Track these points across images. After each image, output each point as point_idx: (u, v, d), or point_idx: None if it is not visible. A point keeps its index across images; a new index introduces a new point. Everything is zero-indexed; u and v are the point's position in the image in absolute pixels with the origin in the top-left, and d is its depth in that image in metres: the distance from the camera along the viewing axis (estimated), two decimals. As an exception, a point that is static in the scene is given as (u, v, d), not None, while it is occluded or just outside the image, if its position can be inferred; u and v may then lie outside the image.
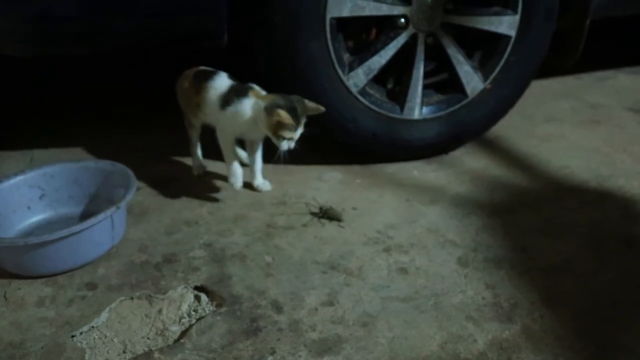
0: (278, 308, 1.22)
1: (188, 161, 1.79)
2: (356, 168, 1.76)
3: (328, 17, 1.51)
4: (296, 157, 1.77)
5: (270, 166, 1.75)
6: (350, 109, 1.63)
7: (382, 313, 1.21)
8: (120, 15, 1.39)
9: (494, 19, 1.66)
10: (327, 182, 1.69)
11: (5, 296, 1.28)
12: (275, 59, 1.57)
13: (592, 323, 1.18)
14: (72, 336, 1.17)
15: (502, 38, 1.69)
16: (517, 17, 1.66)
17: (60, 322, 1.21)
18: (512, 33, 1.67)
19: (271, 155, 1.53)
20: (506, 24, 1.66)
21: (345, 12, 1.52)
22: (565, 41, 1.83)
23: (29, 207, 1.52)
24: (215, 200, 1.62)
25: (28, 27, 1.41)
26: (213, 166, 1.78)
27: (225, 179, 1.71)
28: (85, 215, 1.54)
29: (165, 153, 1.85)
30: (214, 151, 1.74)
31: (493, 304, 1.24)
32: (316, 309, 1.22)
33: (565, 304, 1.23)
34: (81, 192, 1.56)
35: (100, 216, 1.32)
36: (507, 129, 1.97)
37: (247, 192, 1.65)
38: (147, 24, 1.42)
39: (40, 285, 1.31)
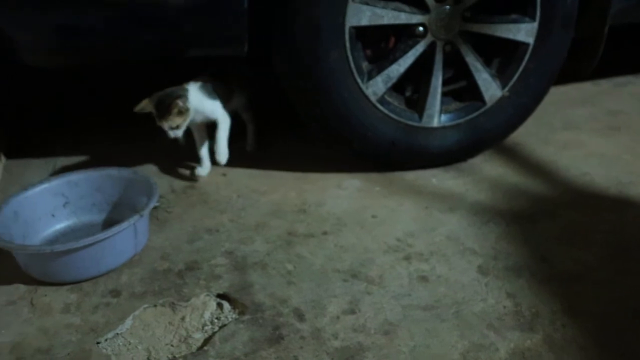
0: (300, 316, 1.23)
1: (208, 169, 1.81)
2: (375, 176, 1.77)
3: (347, 26, 1.52)
4: (315, 165, 1.81)
5: (291, 174, 1.78)
6: (369, 117, 1.64)
7: (403, 321, 1.22)
8: (143, 26, 1.41)
9: (512, 26, 1.66)
10: (346, 190, 1.70)
11: (32, 302, 1.30)
12: (295, 68, 1.58)
13: (614, 333, 1.18)
14: (98, 342, 1.19)
15: (520, 45, 1.69)
16: (535, 25, 1.66)
17: (86, 328, 1.23)
18: (530, 40, 1.67)
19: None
20: (524, 32, 1.66)
21: (364, 21, 1.53)
22: (584, 48, 1.84)
23: (53, 215, 1.54)
24: (236, 208, 1.63)
25: (52, 40, 1.44)
26: (233, 173, 1.80)
27: (245, 185, 1.73)
28: (107, 223, 1.56)
29: (185, 161, 1.87)
30: (233, 158, 1.77)
31: (514, 312, 1.24)
32: (338, 317, 1.23)
33: (587, 313, 1.23)
34: (104, 200, 1.58)
35: (124, 224, 1.34)
36: (525, 136, 1.97)
37: (268, 200, 1.66)
38: (169, 34, 1.45)
39: (66, 292, 1.33)
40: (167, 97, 1.59)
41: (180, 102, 1.58)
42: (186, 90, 1.64)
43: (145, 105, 1.61)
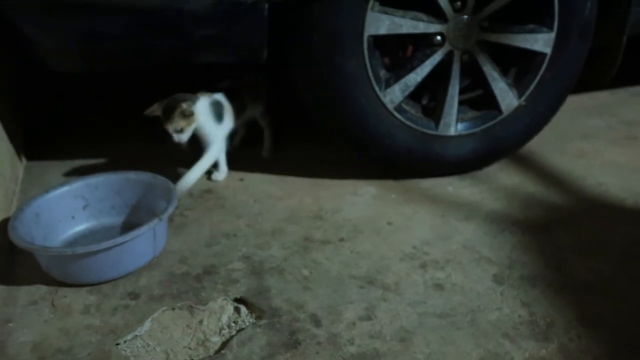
0: (316, 322, 1.24)
1: (224, 173, 1.83)
2: (391, 183, 1.78)
3: (366, 35, 1.53)
4: (331, 171, 1.82)
5: (307, 180, 1.79)
6: (386, 125, 1.65)
7: (419, 329, 1.23)
8: (167, 34, 1.44)
9: (529, 36, 1.67)
10: (362, 197, 1.71)
11: (53, 303, 1.33)
12: (314, 75, 1.60)
13: (628, 344, 1.18)
14: (117, 344, 1.21)
15: (538, 55, 1.69)
16: (553, 35, 1.66)
17: (106, 330, 1.25)
18: (548, 50, 1.68)
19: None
20: (542, 42, 1.67)
21: (383, 30, 1.55)
22: (602, 57, 1.84)
23: (73, 217, 1.57)
24: (252, 213, 1.65)
25: (78, 46, 1.47)
26: (249, 178, 1.81)
27: (262, 190, 1.75)
28: (126, 226, 1.58)
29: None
30: (250, 163, 1.79)
31: (529, 322, 1.24)
32: (354, 323, 1.24)
33: (602, 323, 1.23)
34: (123, 203, 1.60)
35: (144, 228, 1.36)
36: (541, 145, 1.97)
37: (284, 205, 1.68)
38: (192, 41, 1.47)
39: (86, 293, 1.35)
40: (174, 100, 1.63)
41: (184, 105, 1.61)
42: (196, 98, 1.67)
43: (155, 109, 1.65)
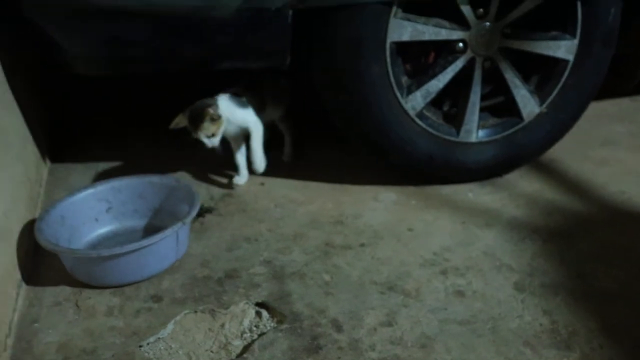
0: (338, 327, 1.25)
1: (246, 177, 1.85)
2: (411, 189, 1.78)
3: (388, 41, 1.54)
4: (351, 176, 1.83)
5: (328, 185, 1.80)
6: (407, 132, 1.66)
7: (440, 335, 1.23)
8: (191, 40, 1.45)
9: (551, 43, 1.66)
10: (382, 203, 1.72)
11: (77, 304, 1.35)
12: (336, 82, 1.61)
13: (652, 354, 1.18)
14: (140, 346, 1.23)
15: (560, 62, 1.69)
16: (576, 42, 1.65)
17: (129, 331, 1.26)
18: (570, 57, 1.67)
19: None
20: (564, 49, 1.66)
21: (405, 37, 1.55)
22: (625, 64, 1.83)
23: (96, 219, 1.59)
24: (274, 217, 1.66)
25: (103, 51, 1.50)
26: (270, 183, 1.83)
27: (283, 195, 1.76)
28: (148, 229, 1.60)
29: (223, 169, 1.90)
30: (271, 168, 1.80)
31: (550, 330, 1.24)
32: (375, 329, 1.25)
33: (625, 333, 1.23)
34: (145, 206, 1.62)
35: (168, 231, 1.37)
36: (562, 152, 1.96)
37: (305, 210, 1.69)
38: (216, 47, 1.49)
39: (109, 295, 1.37)
40: (198, 108, 1.66)
41: (211, 110, 1.63)
42: (216, 100, 1.69)
43: (180, 120, 1.68)
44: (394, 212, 1.67)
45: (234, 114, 1.72)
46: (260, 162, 1.77)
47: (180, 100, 1.72)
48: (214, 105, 1.66)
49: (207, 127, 1.65)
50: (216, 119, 1.65)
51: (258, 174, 1.80)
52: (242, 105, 1.74)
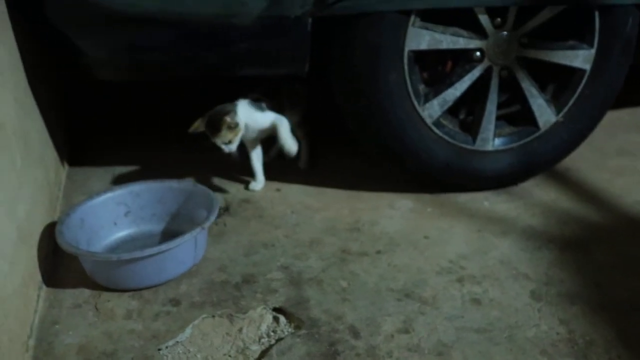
0: (355, 333, 1.26)
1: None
2: (427, 197, 1.79)
3: (406, 50, 1.55)
4: (367, 183, 1.83)
5: (343, 191, 1.81)
6: (424, 139, 1.66)
7: (456, 343, 1.23)
8: (212, 47, 1.47)
9: (569, 53, 1.66)
10: (398, 210, 1.73)
11: (96, 307, 1.36)
12: (353, 89, 1.62)
13: (671, 365, 1.17)
14: (159, 349, 1.24)
15: (577, 72, 1.69)
16: (593, 52, 1.66)
17: (148, 335, 1.28)
18: (587, 67, 1.67)
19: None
20: (581, 58, 1.66)
21: (424, 46, 1.56)
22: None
23: (115, 223, 1.61)
24: (290, 223, 1.67)
25: (124, 57, 1.52)
26: (286, 189, 1.84)
27: (299, 201, 1.77)
28: (166, 233, 1.62)
29: (240, 175, 1.92)
30: (287, 174, 1.81)
31: (568, 340, 1.24)
32: (392, 336, 1.25)
33: (643, 344, 1.23)
34: (163, 211, 1.64)
35: (187, 236, 1.39)
36: (577, 161, 1.96)
37: (321, 217, 1.70)
38: (236, 54, 1.51)
39: (128, 298, 1.39)
40: (216, 114, 1.67)
41: (228, 118, 1.65)
42: (235, 106, 1.70)
43: (198, 125, 1.71)
44: (409, 220, 1.68)
45: (254, 119, 1.73)
46: (292, 146, 1.76)
47: (197, 104, 1.74)
48: (233, 112, 1.68)
49: (225, 134, 1.67)
50: (233, 127, 1.67)
51: (291, 154, 1.79)
52: (262, 109, 1.75)
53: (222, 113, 1.66)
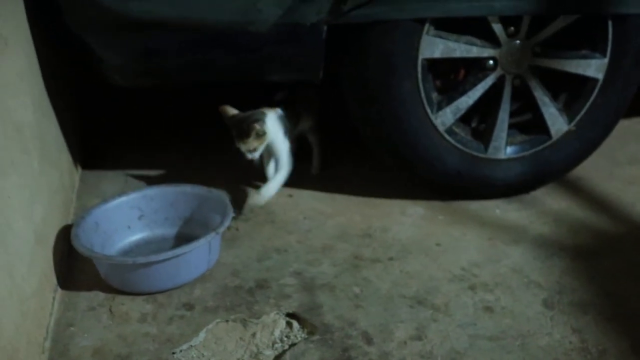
0: (368, 339, 1.27)
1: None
2: (438, 204, 1.79)
3: (420, 58, 1.56)
4: (379, 189, 1.84)
5: (355, 198, 1.82)
6: (436, 147, 1.67)
7: (469, 350, 1.24)
8: (228, 52, 1.49)
9: (582, 62, 1.67)
10: (410, 217, 1.73)
11: (111, 310, 1.38)
12: (367, 96, 1.63)
13: (684, 375, 1.18)
14: (173, 353, 1.25)
15: (589, 81, 1.69)
16: (606, 61, 1.66)
17: (162, 338, 1.29)
18: (600, 76, 1.68)
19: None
20: (594, 67, 1.67)
21: (437, 54, 1.57)
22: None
23: (129, 227, 1.62)
24: (303, 229, 1.68)
25: (141, 63, 1.54)
26: (298, 195, 1.85)
27: (311, 207, 1.78)
28: (179, 237, 1.63)
29: (252, 180, 1.92)
30: (299, 180, 1.82)
31: (580, 349, 1.25)
32: (405, 343, 1.26)
33: (656, 354, 1.23)
34: (177, 215, 1.65)
35: (201, 241, 1.40)
36: (589, 170, 1.95)
37: (334, 223, 1.71)
38: (252, 60, 1.52)
39: (142, 302, 1.40)
40: (245, 119, 1.65)
41: (257, 126, 1.62)
42: (264, 115, 1.68)
43: (228, 112, 1.68)
44: (421, 227, 1.69)
45: (276, 137, 1.72)
46: (268, 193, 1.72)
47: (200, 106, 1.74)
48: (262, 121, 1.65)
49: (252, 141, 1.64)
50: (262, 135, 1.65)
51: (256, 204, 1.74)
52: (285, 132, 1.75)
53: (252, 120, 1.63)
